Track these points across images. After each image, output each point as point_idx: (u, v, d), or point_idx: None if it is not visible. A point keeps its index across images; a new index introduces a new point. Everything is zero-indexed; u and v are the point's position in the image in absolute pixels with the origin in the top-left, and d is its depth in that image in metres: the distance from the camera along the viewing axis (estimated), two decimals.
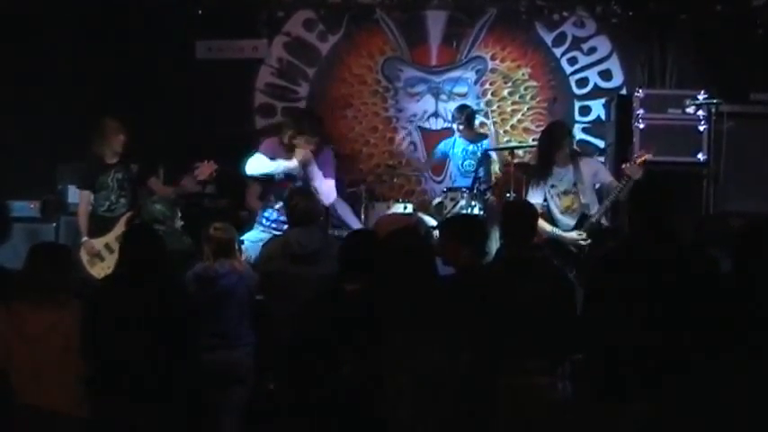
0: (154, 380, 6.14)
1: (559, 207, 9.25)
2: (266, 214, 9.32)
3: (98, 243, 9.21)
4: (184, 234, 8.88)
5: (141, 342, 6.12)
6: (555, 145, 9.23)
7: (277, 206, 9.18)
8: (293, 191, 8.66)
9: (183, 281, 7.47)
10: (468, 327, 5.76)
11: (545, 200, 9.27)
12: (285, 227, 8.49)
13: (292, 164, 9.16)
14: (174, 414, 6.25)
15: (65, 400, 6.13)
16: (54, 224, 10.58)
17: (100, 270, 9.10)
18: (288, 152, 9.23)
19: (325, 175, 9.30)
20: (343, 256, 6.55)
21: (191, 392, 6.41)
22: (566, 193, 9.24)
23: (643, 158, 9.06)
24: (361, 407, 5.83)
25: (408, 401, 5.64)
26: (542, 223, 8.96)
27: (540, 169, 9.38)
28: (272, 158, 9.24)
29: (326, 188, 9.29)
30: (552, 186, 9.27)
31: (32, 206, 10.64)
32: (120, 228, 9.14)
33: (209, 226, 7.72)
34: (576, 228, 9.14)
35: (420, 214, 10.77)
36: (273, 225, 9.20)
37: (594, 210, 9.15)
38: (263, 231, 9.18)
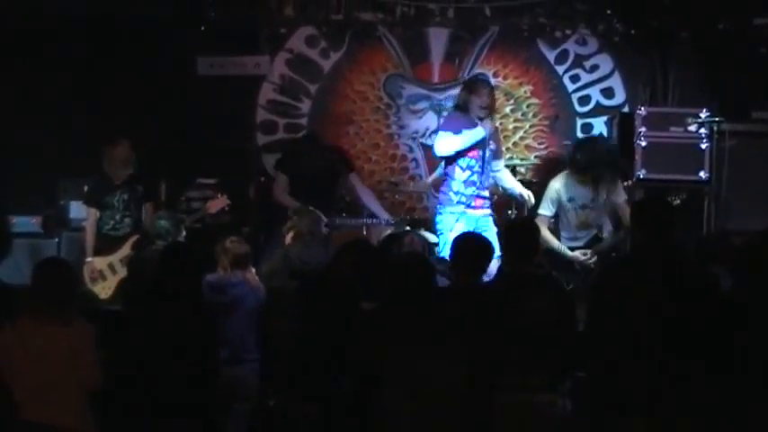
0: (177, 398, 6.16)
1: (575, 221, 9.25)
2: (455, 188, 9.42)
3: (101, 263, 9.26)
4: None
5: (168, 362, 6.13)
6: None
7: (465, 177, 9.39)
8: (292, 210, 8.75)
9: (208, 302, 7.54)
10: (468, 342, 5.76)
11: (556, 214, 9.26)
12: (473, 202, 9.26)
13: (477, 132, 9.27)
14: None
15: (69, 416, 6.10)
16: (56, 240, 10.58)
17: (101, 290, 9.14)
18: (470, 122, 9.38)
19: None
20: (359, 276, 6.57)
21: (204, 409, 6.42)
22: (584, 207, 9.24)
23: None
24: (361, 421, 5.84)
25: (408, 416, 5.63)
26: (548, 236, 9.00)
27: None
28: (457, 132, 9.34)
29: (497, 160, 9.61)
30: (571, 200, 9.26)
31: (34, 221, 10.64)
32: (125, 250, 9.20)
33: (226, 239, 7.86)
34: (585, 247, 9.14)
35: (422, 231, 10.76)
36: (463, 199, 9.38)
37: (606, 232, 9.15)
38: (451, 211, 9.39)
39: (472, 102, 9.30)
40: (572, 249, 9.24)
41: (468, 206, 9.38)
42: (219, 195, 9.61)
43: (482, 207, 9.43)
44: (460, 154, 9.37)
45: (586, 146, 9.48)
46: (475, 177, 9.40)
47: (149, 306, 6.46)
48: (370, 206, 10.23)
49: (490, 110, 9.40)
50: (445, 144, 9.38)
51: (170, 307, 6.32)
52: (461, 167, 9.40)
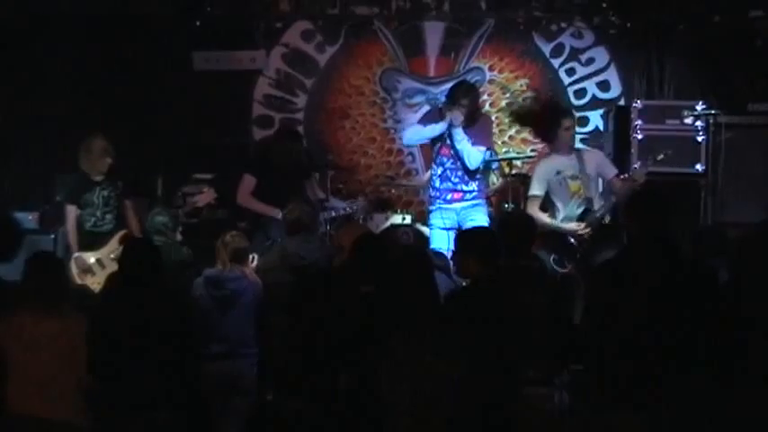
0: (155, 391, 6.15)
1: (568, 192, 9.21)
2: (434, 185, 9.67)
3: (89, 258, 9.26)
4: (184, 245, 8.92)
5: (143, 354, 6.13)
6: (555, 122, 9.28)
7: (439, 173, 9.58)
8: (290, 201, 8.77)
9: (184, 292, 7.54)
10: (465, 338, 5.76)
11: (547, 191, 9.26)
12: (449, 196, 9.41)
13: (440, 126, 9.43)
14: (175, 425, 6.25)
15: (65, 410, 6.12)
16: (52, 236, 10.57)
17: (90, 284, 9.13)
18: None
19: (475, 143, 9.45)
20: (358, 258, 6.58)
21: (193, 403, 6.42)
22: (573, 177, 9.22)
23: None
24: (359, 419, 5.83)
25: (406, 413, 5.62)
26: (541, 215, 9.03)
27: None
28: (425, 126, 9.68)
29: (470, 153, 9.43)
30: (558, 173, 9.24)
31: (31, 218, 10.63)
32: (113, 244, 9.20)
33: (226, 233, 7.93)
34: (579, 219, 9.12)
35: (418, 225, 10.77)
36: (438, 194, 9.60)
37: (597, 205, 9.13)
38: (433, 207, 9.66)
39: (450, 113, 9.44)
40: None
41: (445, 200, 9.55)
42: (206, 189, 9.61)
43: (461, 200, 9.54)
44: (437, 152, 9.60)
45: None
46: (448, 173, 9.53)
47: (114, 297, 6.48)
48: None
49: (471, 116, 9.53)
50: (409, 133, 10.07)
51: (132, 296, 6.31)
52: (436, 164, 9.64)
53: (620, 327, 5.57)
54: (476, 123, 9.56)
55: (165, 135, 11.80)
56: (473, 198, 9.57)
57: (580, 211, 9.14)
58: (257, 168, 9.88)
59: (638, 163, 9.44)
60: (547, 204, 9.30)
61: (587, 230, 9.03)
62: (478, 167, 9.57)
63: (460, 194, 9.54)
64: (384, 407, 5.71)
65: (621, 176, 9.31)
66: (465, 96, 9.46)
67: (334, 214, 10.12)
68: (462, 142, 9.36)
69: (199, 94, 11.99)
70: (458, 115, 9.31)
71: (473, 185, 9.57)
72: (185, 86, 12.02)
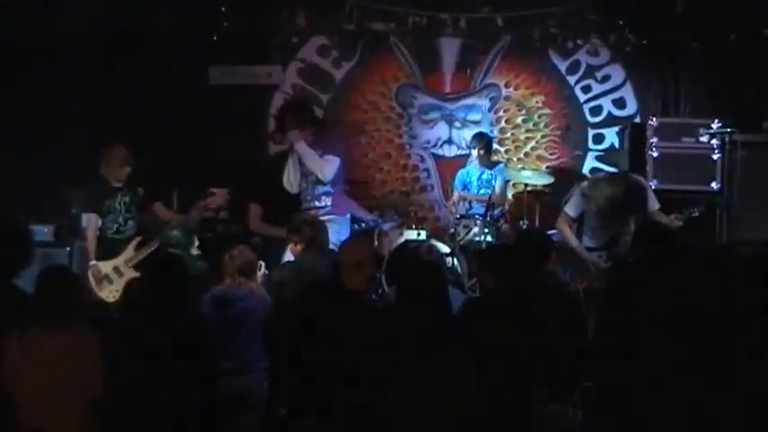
0: (171, 409, 6.14)
1: (599, 221, 9.20)
2: None
3: (106, 266, 9.25)
4: (199, 259, 8.92)
5: (159, 371, 6.12)
6: None
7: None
8: (301, 217, 8.79)
9: (199, 307, 7.53)
10: (477, 354, 5.76)
11: (581, 214, 9.23)
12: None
13: (291, 159, 9.74)
14: None
15: (71, 426, 6.11)
16: (68, 248, 10.60)
17: (108, 293, 9.14)
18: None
19: (323, 154, 9.70)
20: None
21: (206, 420, 6.40)
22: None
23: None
24: None
25: (417, 429, 5.62)
26: (568, 233, 9.02)
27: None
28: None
29: (321, 165, 9.70)
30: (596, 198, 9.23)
31: (46, 230, 10.66)
32: (129, 251, 9.20)
33: (234, 247, 7.90)
34: (604, 247, 9.09)
35: (433, 241, 10.76)
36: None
37: (626, 235, 9.09)
38: None
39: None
40: (590, 249, 9.19)
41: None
42: (218, 191, 9.56)
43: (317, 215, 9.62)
44: None
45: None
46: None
47: (137, 311, 6.47)
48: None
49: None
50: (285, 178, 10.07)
51: (155, 311, 6.29)
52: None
53: (631, 344, 5.57)
54: (321, 134, 9.93)
55: (180, 149, 11.82)
56: (326, 213, 9.67)
57: (605, 238, 9.13)
58: (260, 194, 9.93)
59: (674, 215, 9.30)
60: (574, 223, 9.29)
61: (607, 265, 8.98)
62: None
63: (315, 210, 9.68)
64: (394, 423, 5.71)
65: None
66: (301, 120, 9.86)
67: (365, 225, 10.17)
68: (309, 159, 9.70)
69: (215, 109, 12.01)
70: (297, 140, 9.68)
71: (325, 200, 9.77)
72: (201, 101, 12.05)
